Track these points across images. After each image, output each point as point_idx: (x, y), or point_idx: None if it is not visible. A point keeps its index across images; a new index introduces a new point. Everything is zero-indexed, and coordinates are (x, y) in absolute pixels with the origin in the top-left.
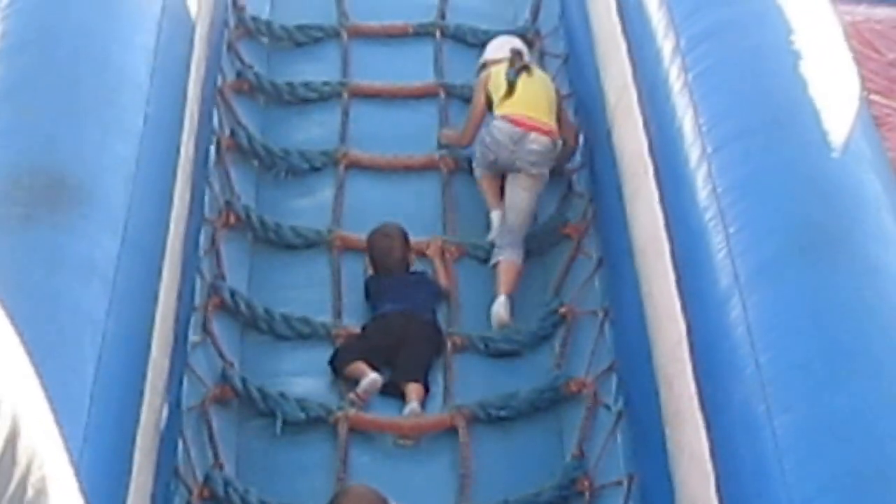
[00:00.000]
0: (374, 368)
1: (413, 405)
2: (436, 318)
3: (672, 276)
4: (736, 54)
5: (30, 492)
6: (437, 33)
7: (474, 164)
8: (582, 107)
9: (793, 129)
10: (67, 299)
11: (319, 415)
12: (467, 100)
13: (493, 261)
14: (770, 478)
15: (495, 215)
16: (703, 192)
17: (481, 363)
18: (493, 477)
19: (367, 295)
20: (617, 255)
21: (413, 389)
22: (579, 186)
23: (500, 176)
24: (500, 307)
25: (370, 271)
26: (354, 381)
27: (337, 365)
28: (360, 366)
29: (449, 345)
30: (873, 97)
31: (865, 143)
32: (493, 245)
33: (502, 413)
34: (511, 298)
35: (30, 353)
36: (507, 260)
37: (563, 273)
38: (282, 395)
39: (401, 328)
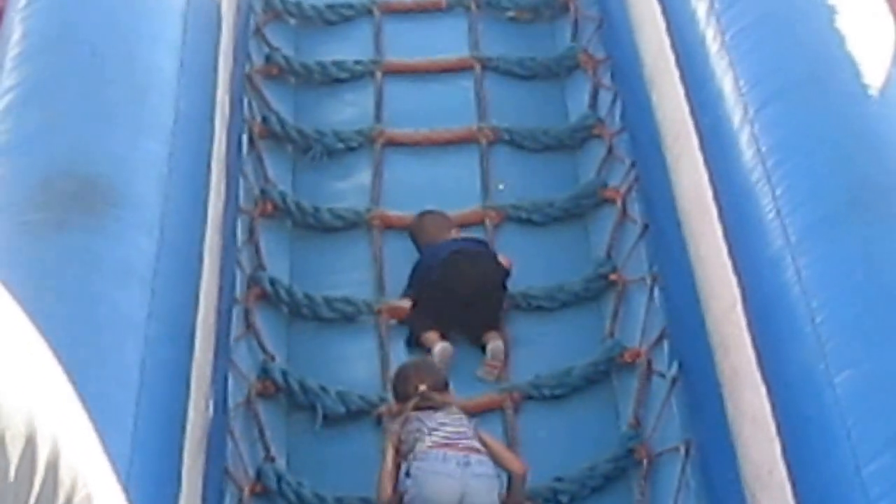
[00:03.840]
0: (444, 336)
1: (496, 343)
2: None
3: (721, 239)
4: (772, 12)
5: None
6: (472, 5)
7: None
8: (618, 71)
9: (834, 84)
10: (106, 304)
11: (361, 407)
12: (503, 72)
13: None
14: (835, 436)
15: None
16: (748, 152)
17: (530, 329)
18: (547, 454)
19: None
20: (663, 220)
21: (490, 337)
22: (619, 151)
23: None
24: None
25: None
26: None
27: (412, 337)
28: (431, 335)
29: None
30: None
31: None
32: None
33: (557, 392)
34: None
35: (68, 363)
36: None
37: (611, 238)
38: (322, 388)
39: (467, 271)
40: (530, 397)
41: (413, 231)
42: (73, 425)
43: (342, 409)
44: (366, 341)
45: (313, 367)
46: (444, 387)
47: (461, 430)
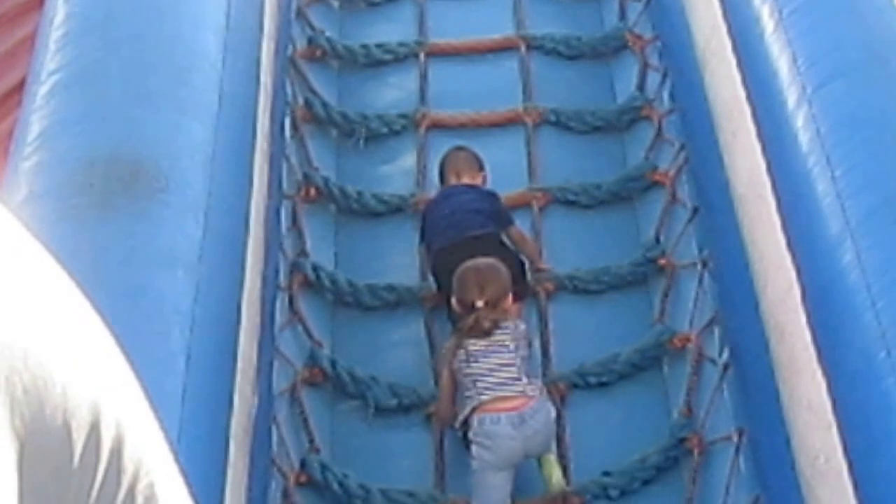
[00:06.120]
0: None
1: None
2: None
3: (777, 223)
4: None
5: (139, 500)
6: None
7: None
8: (668, 49)
9: (894, 64)
10: (152, 291)
11: (413, 402)
12: (548, 51)
13: None
14: None
15: None
16: (805, 133)
17: (576, 313)
18: (596, 445)
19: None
20: (714, 203)
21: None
22: (669, 132)
23: None
24: None
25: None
26: None
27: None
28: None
29: (542, 294)
30: None
31: None
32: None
33: (603, 379)
34: None
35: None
36: None
37: (660, 221)
38: (373, 378)
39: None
40: (576, 386)
41: (439, 166)
42: (135, 411)
43: (394, 402)
44: (411, 329)
45: (358, 356)
46: (506, 295)
47: (509, 368)
